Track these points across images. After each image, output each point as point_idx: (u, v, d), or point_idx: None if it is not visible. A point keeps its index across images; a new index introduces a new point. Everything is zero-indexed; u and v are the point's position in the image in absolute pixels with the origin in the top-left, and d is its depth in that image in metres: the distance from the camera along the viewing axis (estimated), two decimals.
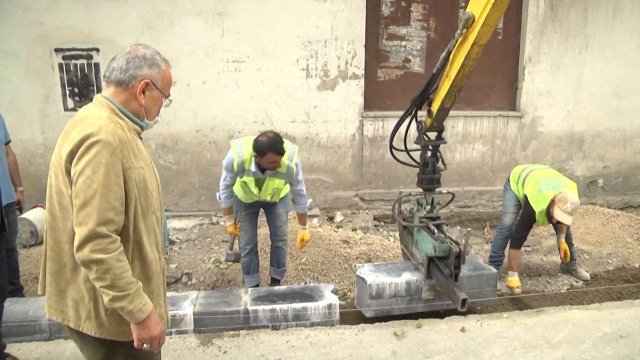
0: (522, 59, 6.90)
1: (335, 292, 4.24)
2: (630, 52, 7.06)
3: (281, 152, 3.91)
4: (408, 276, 4.18)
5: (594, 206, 6.94)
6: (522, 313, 4.27)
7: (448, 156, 6.98)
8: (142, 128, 2.06)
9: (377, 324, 4.05)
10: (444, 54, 3.57)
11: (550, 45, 6.85)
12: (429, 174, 4.04)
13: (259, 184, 4.22)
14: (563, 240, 5.02)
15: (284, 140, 3.99)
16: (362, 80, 6.53)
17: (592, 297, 4.88)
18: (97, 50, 6.03)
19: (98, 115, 1.88)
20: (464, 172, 7.12)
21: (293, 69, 6.33)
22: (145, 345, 1.96)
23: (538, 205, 4.56)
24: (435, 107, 3.82)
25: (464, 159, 7.06)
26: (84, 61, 6.05)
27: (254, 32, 6.17)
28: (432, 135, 4.08)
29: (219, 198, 4.38)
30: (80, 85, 6.10)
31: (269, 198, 4.35)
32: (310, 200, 4.56)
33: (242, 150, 4.05)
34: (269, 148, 3.85)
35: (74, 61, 6.02)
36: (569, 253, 5.02)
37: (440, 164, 4.11)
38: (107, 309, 1.91)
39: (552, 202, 4.47)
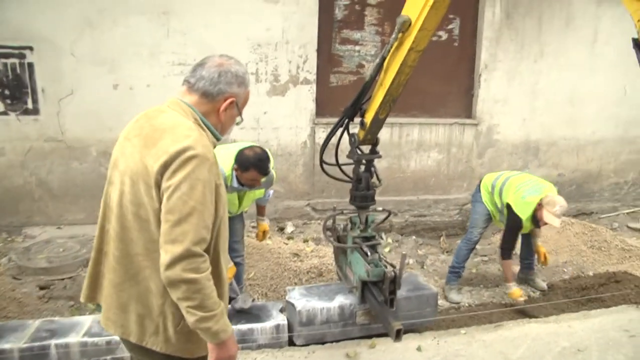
0: (478, 66, 6.83)
1: (283, 311, 3.97)
2: (581, 61, 7.10)
3: (265, 173, 3.58)
4: (341, 300, 3.92)
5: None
6: (479, 328, 4.12)
7: (403, 164, 6.83)
8: (218, 140, 2.01)
9: (328, 344, 3.80)
10: (377, 60, 3.30)
11: (506, 52, 6.80)
12: (363, 190, 3.75)
13: (240, 199, 3.91)
14: (540, 244, 4.96)
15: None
16: (314, 86, 6.29)
17: (551, 308, 4.77)
18: (31, 48, 5.56)
19: (188, 125, 1.83)
20: (419, 181, 6.97)
21: None
22: None
23: (524, 213, 4.44)
24: (368, 118, 3.54)
25: (419, 167, 6.92)
26: (16, 60, 5.56)
27: (202, 33, 5.85)
28: (366, 148, 3.81)
29: None
30: (12, 87, 5.61)
31: (246, 209, 4.15)
32: (272, 191, 4.35)
33: (220, 165, 3.65)
34: (253, 165, 3.52)
35: (3, 60, 5.52)
36: (548, 256, 4.96)
37: (374, 180, 3.83)
38: (176, 325, 1.88)
39: (540, 206, 4.36)
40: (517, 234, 4.67)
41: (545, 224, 4.43)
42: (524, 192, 4.51)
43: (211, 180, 1.80)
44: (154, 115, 1.91)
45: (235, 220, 4.19)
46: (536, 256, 5.09)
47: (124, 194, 1.85)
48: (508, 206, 4.58)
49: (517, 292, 4.69)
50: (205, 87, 1.91)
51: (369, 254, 3.64)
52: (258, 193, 4.01)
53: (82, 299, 2.11)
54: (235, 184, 3.66)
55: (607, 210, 7.58)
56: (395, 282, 3.41)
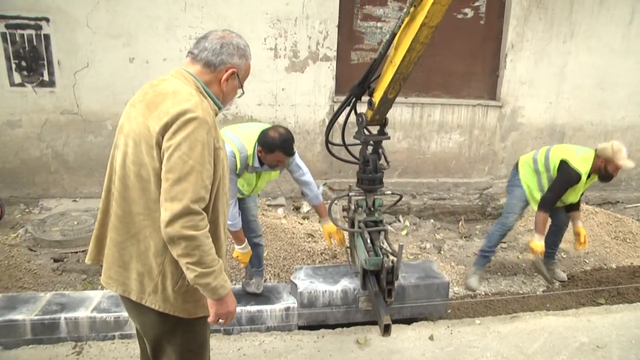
0: (505, 45, 6.58)
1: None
2: (614, 43, 6.80)
3: (291, 154, 3.43)
4: (346, 284, 3.83)
5: None
6: (495, 319, 4.00)
7: (423, 145, 6.67)
8: (219, 110, 2.07)
9: (338, 329, 3.73)
10: (387, 36, 3.09)
11: (534, 32, 6.53)
12: (370, 173, 3.58)
13: (257, 179, 3.76)
14: (580, 225, 4.80)
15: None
16: (334, 63, 6.13)
17: (570, 300, 4.63)
18: (47, 20, 5.50)
19: (189, 91, 1.90)
20: (440, 163, 6.81)
21: (260, 49, 5.89)
22: (220, 320, 1.98)
23: (583, 167, 4.40)
24: (377, 97, 3.34)
25: (439, 149, 6.75)
26: (32, 32, 5.51)
27: (219, 7, 5.72)
28: (374, 129, 3.62)
29: (231, 219, 3.59)
30: (28, 59, 5.58)
31: (259, 192, 3.96)
32: (321, 187, 4.02)
33: (242, 143, 3.47)
34: (279, 147, 3.34)
35: (20, 31, 5.47)
36: (587, 240, 4.83)
37: (382, 162, 3.66)
38: (174, 284, 1.95)
39: (606, 160, 4.37)
40: (566, 189, 4.50)
41: (611, 174, 4.44)
42: (576, 150, 4.56)
43: (210, 142, 1.85)
44: (157, 83, 1.98)
45: (248, 199, 4.09)
46: (575, 238, 4.90)
47: (127, 155, 1.91)
48: (562, 163, 4.49)
49: (539, 245, 4.49)
50: (208, 57, 1.99)
51: (368, 241, 3.53)
52: (274, 174, 3.84)
53: (87, 261, 2.16)
54: (256, 163, 3.52)
55: (634, 200, 7.32)
56: (392, 272, 3.30)
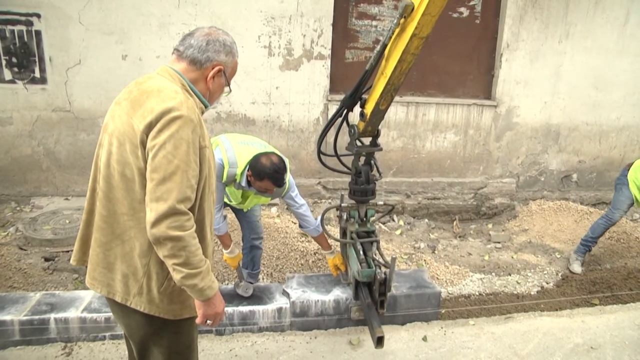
0: (500, 45, 6.55)
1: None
2: (610, 43, 6.78)
3: (280, 185, 3.34)
4: (338, 293, 3.82)
5: (567, 202, 6.72)
6: (489, 320, 3.99)
7: (418, 145, 6.64)
8: (206, 108, 2.05)
9: (331, 330, 3.72)
10: (378, 47, 3.05)
11: (529, 32, 6.51)
12: (362, 184, 3.56)
13: (244, 197, 3.71)
14: None
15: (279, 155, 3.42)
16: (329, 61, 6.08)
17: (564, 301, 4.60)
18: (38, 16, 5.43)
19: (174, 89, 1.87)
20: (434, 163, 6.78)
21: (254, 46, 5.84)
22: (208, 321, 1.96)
23: None
24: (368, 109, 3.32)
25: (434, 149, 6.72)
26: (23, 27, 5.44)
27: (213, 4, 5.66)
28: (366, 140, 3.59)
29: (215, 224, 3.50)
30: (19, 55, 5.51)
31: (245, 210, 3.87)
32: (319, 220, 3.82)
33: (235, 158, 3.39)
34: (269, 176, 3.26)
35: (10, 27, 5.40)
36: None
37: (375, 172, 3.64)
38: (159, 286, 1.92)
39: None
40: None
41: None
42: None
43: (195, 140, 1.83)
44: (142, 81, 1.95)
45: None
46: None
47: (112, 154, 1.88)
48: None
49: None
50: (194, 54, 1.96)
51: (361, 252, 3.49)
52: (263, 199, 3.77)
53: (72, 262, 2.13)
54: (243, 182, 3.43)
55: None
56: (385, 284, 3.27)
